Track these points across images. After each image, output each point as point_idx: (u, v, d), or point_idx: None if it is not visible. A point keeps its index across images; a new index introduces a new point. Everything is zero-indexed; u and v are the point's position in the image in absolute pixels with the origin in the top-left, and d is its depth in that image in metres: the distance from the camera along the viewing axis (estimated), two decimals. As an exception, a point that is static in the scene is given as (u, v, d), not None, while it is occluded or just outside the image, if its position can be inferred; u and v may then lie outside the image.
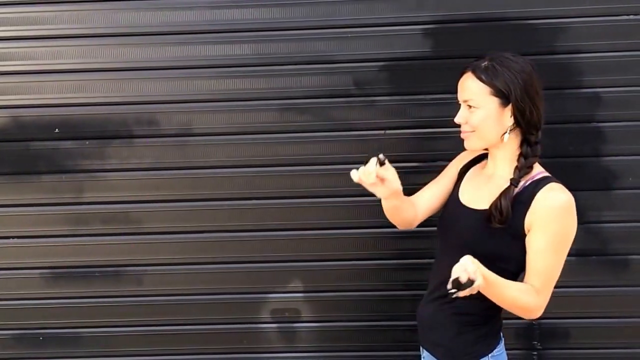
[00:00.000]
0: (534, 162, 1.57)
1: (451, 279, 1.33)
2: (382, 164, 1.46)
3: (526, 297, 1.51)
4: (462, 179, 1.72)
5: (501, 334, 1.68)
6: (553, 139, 2.15)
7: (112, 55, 2.18)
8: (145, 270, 2.28)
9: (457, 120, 1.58)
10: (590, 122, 2.17)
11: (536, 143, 1.58)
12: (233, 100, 2.19)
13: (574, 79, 2.15)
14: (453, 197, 1.70)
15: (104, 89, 2.20)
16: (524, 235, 1.53)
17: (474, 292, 1.36)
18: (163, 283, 2.28)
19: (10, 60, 2.19)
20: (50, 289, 2.29)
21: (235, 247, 2.27)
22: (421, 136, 2.19)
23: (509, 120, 1.53)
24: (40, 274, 2.29)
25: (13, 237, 2.28)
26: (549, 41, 2.13)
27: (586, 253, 2.21)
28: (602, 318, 2.23)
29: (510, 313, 2.14)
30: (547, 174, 1.59)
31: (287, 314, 2.30)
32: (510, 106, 1.52)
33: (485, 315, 1.61)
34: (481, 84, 1.52)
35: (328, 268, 2.27)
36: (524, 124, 1.55)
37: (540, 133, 1.59)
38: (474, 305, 1.59)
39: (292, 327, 2.30)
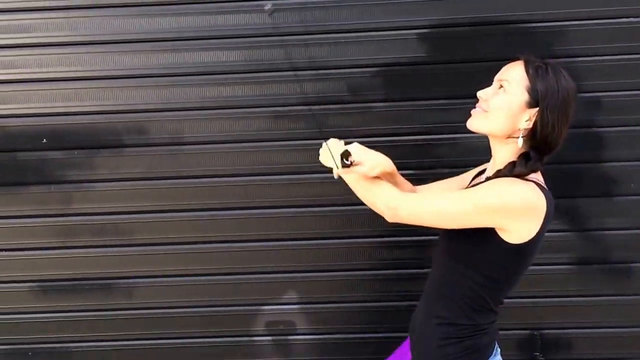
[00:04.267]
0: (523, 174, 1.49)
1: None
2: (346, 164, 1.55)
3: (382, 194, 1.53)
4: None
5: (495, 348, 1.62)
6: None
7: (100, 63, 2.14)
8: (136, 283, 2.23)
9: (479, 93, 1.54)
10: (590, 127, 2.13)
11: (532, 160, 1.50)
12: (225, 108, 2.15)
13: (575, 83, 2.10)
14: None
15: (92, 98, 2.16)
16: (484, 230, 1.46)
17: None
18: (155, 295, 2.24)
19: (-4, 69, 2.15)
20: (39, 303, 2.25)
21: (228, 257, 2.23)
22: (418, 143, 2.14)
23: (524, 124, 1.48)
24: (29, 287, 2.25)
25: (0, 250, 2.23)
26: (549, 45, 2.09)
27: (588, 261, 2.17)
28: (605, 328, 2.19)
29: (509, 324, 2.14)
30: (538, 180, 1.50)
31: (282, 326, 2.25)
32: (533, 111, 1.47)
33: (473, 326, 1.55)
34: (524, 75, 1.48)
35: (324, 278, 2.23)
36: (539, 137, 1.48)
37: (545, 158, 1.52)
38: (462, 316, 1.54)
39: (288, 339, 2.26)
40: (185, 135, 2.17)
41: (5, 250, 2.23)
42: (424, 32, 2.10)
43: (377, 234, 2.19)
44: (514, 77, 1.49)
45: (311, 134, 2.15)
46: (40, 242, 2.22)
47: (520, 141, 1.49)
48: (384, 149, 2.11)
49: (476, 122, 1.53)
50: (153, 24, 2.13)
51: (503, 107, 1.48)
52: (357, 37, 2.11)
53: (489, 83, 2.10)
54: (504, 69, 1.55)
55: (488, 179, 1.52)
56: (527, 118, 1.47)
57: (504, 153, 1.54)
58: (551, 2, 2.06)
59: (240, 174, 2.18)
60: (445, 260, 1.56)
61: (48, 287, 2.24)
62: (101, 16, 2.12)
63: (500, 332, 2.17)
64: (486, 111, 1.51)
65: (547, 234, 2.12)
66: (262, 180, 2.18)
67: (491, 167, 1.59)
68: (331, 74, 2.12)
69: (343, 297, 2.23)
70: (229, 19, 2.12)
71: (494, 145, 1.57)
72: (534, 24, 2.09)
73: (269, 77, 2.13)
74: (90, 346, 2.27)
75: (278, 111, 2.15)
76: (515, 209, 1.42)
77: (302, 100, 2.13)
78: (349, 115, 2.14)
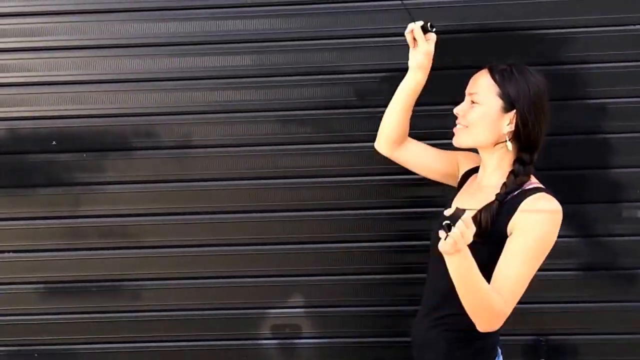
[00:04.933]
0: (524, 181, 1.53)
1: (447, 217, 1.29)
2: (426, 31, 1.62)
3: (494, 296, 1.42)
4: (460, 188, 1.70)
5: (498, 350, 1.63)
6: (560, 150, 2.11)
7: (109, 66, 2.16)
8: (143, 285, 2.24)
9: (455, 110, 1.57)
10: (597, 133, 2.13)
11: (530, 163, 1.54)
12: (233, 112, 2.16)
13: (581, 90, 2.11)
14: (446, 208, 1.66)
15: (101, 101, 2.17)
16: (499, 244, 1.48)
17: (459, 240, 1.29)
18: (161, 298, 2.24)
19: (6, 72, 2.16)
20: (46, 304, 2.25)
21: (235, 261, 2.23)
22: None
23: (506, 128, 1.51)
24: (36, 288, 2.25)
25: (8, 251, 2.24)
26: (556, 51, 2.10)
27: (594, 267, 2.16)
28: (611, 334, 2.18)
29: (514, 330, 2.13)
30: (538, 184, 1.55)
31: (288, 330, 2.25)
32: (511, 114, 1.50)
33: (478, 331, 1.55)
34: (492, 82, 1.51)
35: (331, 282, 2.23)
36: (523, 137, 1.51)
37: (535, 155, 1.54)
38: (468, 322, 1.53)
39: (294, 343, 2.25)
40: (193, 139, 2.18)
41: (13, 251, 2.23)
42: (432, 38, 2.10)
43: (383, 238, 2.19)
44: (482, 88, 1.52)
45: (318, 138, 2.17)
46: (48, 243, 2.22)
47: (509, 145, 1.52)
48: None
49: (461, 139, 1.57)
50: (163, 28, 2.14)
51: (481, 119, 1.52)
52: (366, 42, 2.12)
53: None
54: (471, 81, 1.58)
55: (498, 196, 1.51)
56: (507, 122, 1.51)
57: (494, 159, 1.56)
58: (558, 9, 2.07)
59: (247, 178, 2.18)
60: (444, 267, 1.52)
61: (55, 289, 2.25)
62: (112, 20, 2.14)
63: (506, 338, 2.17)
64: (467, 126, 1.54)
65: (553, 239, 2.14)
66: (269, 184, 2.18)
67: (484, 175, 1.60)
68: (339, 79, 2.13)
69: (349, 301, 2.23)
70: (238, 23, 2.13)
71: (484, 155, 1.59)
72: (541, 31, 2.09)
73: (277, 81, 2.15)
74: (97, 348, 2.27)
75: (286, 115, 2.16)
76: (557, 230, 1.51)
77: (309, 105, 2.15)
78: (357, 120, 2.14)
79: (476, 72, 1.62)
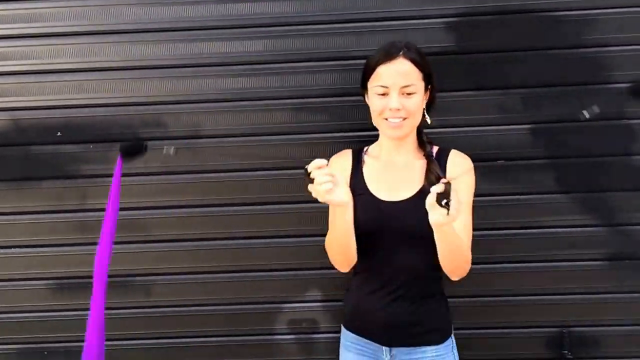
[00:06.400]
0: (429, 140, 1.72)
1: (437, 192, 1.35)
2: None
3: (464, 243, 1.60)
4: (359, 183, 1.70)
5: None
6: (581, 137, 2.06)
7: (116, 53, 2.09)
8: (154, 280, 2.18)
9: (396, 106, 1.58)
10: (620, 118, 2.07)
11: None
12: (245, 100, 2.10)
13: (603, 74, 2.05)
14: (367, 200, 1.66)
15: (108, 89, 2.10)
16: None
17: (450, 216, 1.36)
18: (173, 293, 2.18)
19: (8, 59, 2.10)
20: (55, 301, 2.19)
21: (249, 254, 2.17)
22: (442, 135, 2.08)
23: (424, 103, 1.65)
24: (44, 284, 2.19)
25: (14, 247, 2.18)
26: (577, 34, 2.03)
27: (618, 257, 2.11)
28: (636, 325, 2.14)
29: (537, 322, 2.10)
30: (439, 145, 1.71)
31: (302, 324, 2.20)
32: (428, 89, 1.65)
33: (441, 292, 1.72)
34: (416, 68, 1.59)
35: (346, 276, 2.17)
36: (435, 100, 1.70)
37: None
38: (440, 279, 1.68)
39: (310, 338, 2.20)
40: (203, 128, 2.11)
41: (19, 247, 2.17)
42: (451, 21, 2.04)
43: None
44: (413, 78, 1.59)
45: (331, 127, 2.10)
46: (55, 238, 2.16)
47: (428, 119, 1.67)
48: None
49: (407, 129, 1.63)
50: (170, 12, 2.07)
51: (419, 106, 1.62)
52: (381, 26, 2.05)
53: (514, 74, 2.06)
54: (393, 75, 1.58)
55: (427, 153, 1.67)
56: (425, 98, 1.65)
57: (411, 136, 1.68)
58: (581, -11, 2.01)
59: (260, 168, 2.12)
60: (415, 245, 1.60)
61: (64, 285, 2.19)
62: (117, 5, 2.07)
63: (528, 330, 2.14)
64: (407, 117, 1.60)
65: (575, 229, 2.10)
66: (283, 175, 2.12)
67: (405, 151, 1.68)
68: (355, 64, 2.06)
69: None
70: (249, 7, 2.06)
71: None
72: (564, 12, 2.03)
73: (289, 68, 2.08)
74: (107, 345, 2.19)
75: (299, 103, 2.09)
76: None
77: (324, 92, 2.08)
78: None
79: (389, 59, 1.60)
